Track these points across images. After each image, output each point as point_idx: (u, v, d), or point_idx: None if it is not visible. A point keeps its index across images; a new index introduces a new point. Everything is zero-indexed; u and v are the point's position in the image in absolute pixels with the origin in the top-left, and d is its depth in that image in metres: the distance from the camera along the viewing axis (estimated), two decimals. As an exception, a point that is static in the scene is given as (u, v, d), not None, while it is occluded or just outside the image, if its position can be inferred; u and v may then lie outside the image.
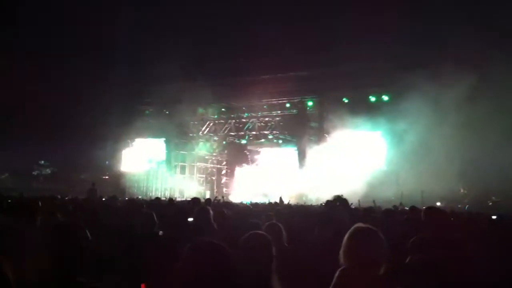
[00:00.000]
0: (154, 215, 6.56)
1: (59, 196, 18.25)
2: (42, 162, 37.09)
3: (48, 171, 36.98)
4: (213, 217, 6.83)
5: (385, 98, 27.64)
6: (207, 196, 31.88)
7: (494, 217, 10.00)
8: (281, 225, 5.38)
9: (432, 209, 6.06)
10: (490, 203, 24.77)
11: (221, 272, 2.78)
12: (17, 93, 28.97)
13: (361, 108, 27.57)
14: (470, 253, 4.85)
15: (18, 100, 29.53)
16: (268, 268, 3.42)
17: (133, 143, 36.25)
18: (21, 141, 31.64)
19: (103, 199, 17.01)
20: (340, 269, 3.34)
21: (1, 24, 29.70)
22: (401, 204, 15.39)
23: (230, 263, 2.83)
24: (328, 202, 10.25)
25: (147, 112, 35.62)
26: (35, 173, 37.00)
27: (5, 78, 27.13)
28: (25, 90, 28.71)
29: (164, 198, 20.48)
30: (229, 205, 14.43)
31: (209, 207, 7.28)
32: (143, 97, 34.34)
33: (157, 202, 13.63)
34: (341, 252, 3.35)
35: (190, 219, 7.09)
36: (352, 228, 3.40)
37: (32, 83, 28.30)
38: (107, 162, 36.04)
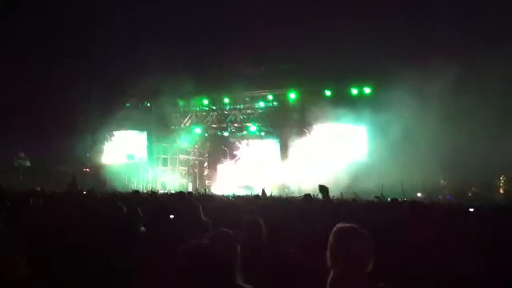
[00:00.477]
0: (139, 210, 6.46)
1: (38, 188, 18.07)
2: (22, 154, 36.51)
3: (28, 163, 36.41)
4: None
5: (367, 90, 27.78)
6: (190, 189, 31.86)
7: (471, 209, 10.07)
8: (262, 221, 5.34)
9: (415, 204, 6.03)
10: (470, 194, 25.10)
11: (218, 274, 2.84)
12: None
13: (343, 100, 27.68)
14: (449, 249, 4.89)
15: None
16: (229, 268, 3.35)
17: (114, 136, 35.92)
18: (1, 134, 31.15)
19: (83, 192, 16.79)
20: (332, 273, 3.27)
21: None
22: (382, 195, 15.48)
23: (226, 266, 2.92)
24: (305, 196, 10.28)
25: (127, 104, 35.33)
26: (16, 165, 36.44)
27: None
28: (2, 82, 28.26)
29: (146, 191, 20.27)
30: (211, 198, 14.37)
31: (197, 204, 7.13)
32: (124, 89, 34.01)
33: (137, 195, 13.46)
34: (327, 253, 3.30)
35: (172, 216, 6.96)
36: (337, 228, 3.34)
37: (9, 74, 27.86)
38: (87, 155, 35.64)
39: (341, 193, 15.95)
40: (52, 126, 31.41)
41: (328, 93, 28.70)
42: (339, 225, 3.35)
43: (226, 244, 3.44)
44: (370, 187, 22.76)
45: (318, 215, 7.06)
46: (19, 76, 28.65)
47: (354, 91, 28.12)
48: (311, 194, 9.87)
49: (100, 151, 35.60)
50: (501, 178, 25.98)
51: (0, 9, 29.79)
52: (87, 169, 35.56)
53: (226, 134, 34.92)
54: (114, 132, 35.81)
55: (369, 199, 14.89)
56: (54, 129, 31.38)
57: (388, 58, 24.17)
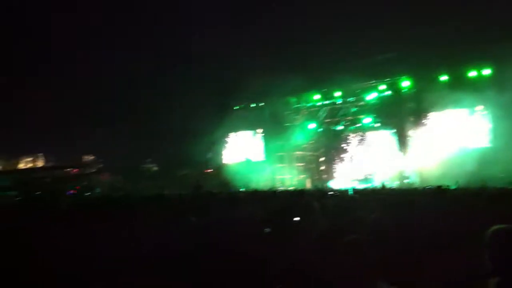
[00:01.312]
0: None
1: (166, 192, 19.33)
2: (149, 160, 39.23)
3: (155, 168, 39.09)
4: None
5: (487, 72, 26.30)
6: (308, 184, 32.25)
7: None
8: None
9: None
10: None
11: None
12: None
13: (460, 84, 26.50)
14: None
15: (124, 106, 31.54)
16: None
17: (230, 137, 37.31)
18: (131, 142, 33.70)
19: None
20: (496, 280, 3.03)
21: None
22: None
23: None
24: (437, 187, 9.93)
25: (241, 105, 36.47)
26: (143, 170, 39.20)
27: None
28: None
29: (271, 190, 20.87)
30: (330, 194, 14.45)
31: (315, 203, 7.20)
32: (236, 91, 35.11)
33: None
34: (486, 256, 3.09)
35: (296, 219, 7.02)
36: (493, 230, 3.15)
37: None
38: (208, 157, 37.31)
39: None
40: (173, 134, 33.35)
41: (443, 78, 27.60)
42: (496, 226, 3.14)
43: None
44: (496, 173, 21.71)
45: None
46: (138, 90, 30.88)
47: (472, 73, 26.75)
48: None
49: (219, 153, 37.14)
50: None
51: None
52: (209, 171, 37.19)
53: (340, 128, 34.75)
54: (230, 133, 37.19)
55: (498, 186, 14.27)
56: (175, 136, 33.29)
57: (507, 34, 22.71)
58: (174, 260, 4.59)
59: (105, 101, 33.57)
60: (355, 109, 32.73)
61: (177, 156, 35.24)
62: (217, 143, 36.69)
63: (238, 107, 36.59)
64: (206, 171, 37.24)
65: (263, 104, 35.87)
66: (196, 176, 32.51)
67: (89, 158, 39.86)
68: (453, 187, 16.34)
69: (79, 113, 35.17)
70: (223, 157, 37.33)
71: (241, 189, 26.71)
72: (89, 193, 30.16)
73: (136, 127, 33.40)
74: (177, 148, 33.83)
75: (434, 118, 28.62)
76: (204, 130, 33.12)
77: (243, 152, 36.70)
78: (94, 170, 38.67)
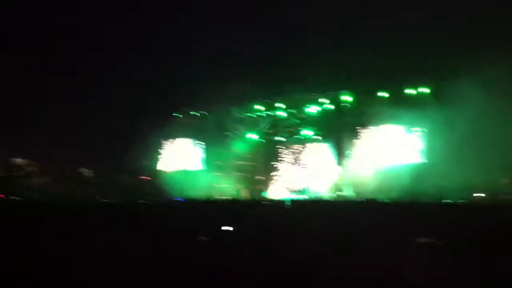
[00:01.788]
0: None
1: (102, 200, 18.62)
2: (83, 165, 37.78)
3: (90, 173, 37.63)
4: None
5: (425, 90, 27.04)
6: (245, 194, 32.03)
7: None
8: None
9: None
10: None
11: None
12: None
13: (399, 101, 27.12)
14: None
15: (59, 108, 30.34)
16: None
17: (169, 144, 36.65)
18: (65, 145, 32.38)
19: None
20: None
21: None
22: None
23: None
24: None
25: (182, 113, 35.93)
26: (77, 175, 37.69)
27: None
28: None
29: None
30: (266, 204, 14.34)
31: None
32: (179, 99, 34.58)
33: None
34: None
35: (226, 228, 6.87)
36: None
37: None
38: (144, 163, 36.43)
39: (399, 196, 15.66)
40: (109, 138, 32.36)
41: (383, 94, 28.16)
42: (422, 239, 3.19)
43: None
44: (428, 189, 22.33)
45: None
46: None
47: (411, 91, 27.42)
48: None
49: (156, 160, 36.35)
50: None
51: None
52: (146, 177, 36.27)
53: (281, 139, 34.78)
54: (169, 140, 36.52)
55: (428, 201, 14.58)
56: (111, 141, 32.32)
57: (446, 57, 23.47)
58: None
59: (37, 102, 32.05)
60: (296, 121, 32.84)
61: (113, 162, 34.18)
62: (155, 149, 35.86)
63: (178, 114, 35.99)
64: (142, 177, 36.29)
65: (204, 112, 35.45)
66: (131, 183, 31.59)
67: (19, 160, 37.76)
68: (385, 200, 16.59)
69: (9, 114, 33.37)
70: (160, 164, 36.54)
71: (176, 197, 26.12)
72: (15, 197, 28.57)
73: (71, 130, 32.10)
74: (113, 153, 32.84)
75: (372, 133, 29.11)
76: (141, 136, 32.33)
77: (181, 160, 36.11)
78: (23, 174, 36.71)
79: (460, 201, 16.83)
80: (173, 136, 35.93)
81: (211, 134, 35.27)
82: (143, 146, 33.87)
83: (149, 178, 35.87)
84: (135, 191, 26.09)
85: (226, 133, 35.27)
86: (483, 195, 23.08)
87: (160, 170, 36.01)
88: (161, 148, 36.44)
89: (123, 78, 31.09)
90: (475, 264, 4.43)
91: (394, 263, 4.01)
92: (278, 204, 14.26)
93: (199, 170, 35.25)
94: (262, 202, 14.67)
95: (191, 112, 36.00)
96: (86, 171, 37.66)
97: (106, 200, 17.86)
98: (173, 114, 35.80)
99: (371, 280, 4.31)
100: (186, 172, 35.37)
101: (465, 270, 3.18)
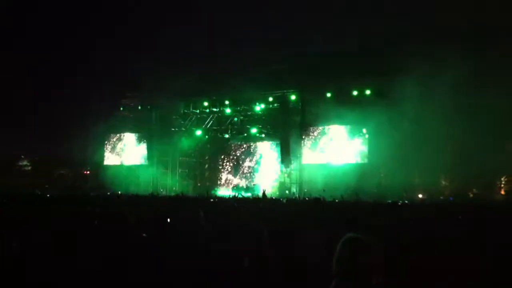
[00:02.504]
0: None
1: (38, 192, 18.01)
2: (22, 157, 36.47)
3: (29, 166, 36.36)
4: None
5: (368, 92, 27.64)
6: (191, 191, 31.82)
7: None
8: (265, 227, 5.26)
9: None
10: (471, 195, 25.00)
11: None
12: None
13: (343, 102, 27.59)
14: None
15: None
16: None
17: (114, 138, 36.00)
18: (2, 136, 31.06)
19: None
20: (334, 282, 3.19)
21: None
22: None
23: None
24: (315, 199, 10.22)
25: (128, 106, 35.37)
26: (16, 167, 36.36)
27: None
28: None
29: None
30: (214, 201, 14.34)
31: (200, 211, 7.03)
32: (124, 92, 34.00)
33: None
34: (333, 260, 3.23)
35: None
36: (346, 237, 3.25)
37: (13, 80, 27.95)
38: (87, 157, 35.60)
39: (342, 196, 15.97)
40: (51, 129, 31.43)
41: (328, 94, 28.64)
42: (349, 234, 3.26)
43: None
44: (371, 188, 22.84)
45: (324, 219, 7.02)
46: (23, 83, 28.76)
47: (355, 92, 28.00)
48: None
49: (100, 154, 35.60)
50: (502, 179, 25.87)
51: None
52: (87, 172, 35.47)
53: (227, 136, 34.83)
54: (114, 134, 35.88)
55: (370, 200, 14.90)
56: (53, 132, 31.41)
57: (388, 59, 24.00)
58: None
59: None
60: (242, 118, 32.90)
61: (54, 154, 33.22)
62: (98, 143, 35.07)
63: (123, 108, 35.41)
64: (84, 172, 35.49)
65: (150, 106, 34.97)
66: (73, 177, 30.81)
67: None
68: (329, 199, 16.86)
69: None
70: (103, 158, 35.83)
71: (119, 192, 25.67)
72: None
73: (9, 119, 30.90)
74: (54, 146, 31.91)
75: (318, 133, 29.56)
76: (84, 129, 31.57)
77: (124, 154, 35.57)
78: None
79: (401, 201, 17.31)
80: (117, 129, 35.31)
81: (157, 129, 34.88)
82: (85, 139, 33.09)
83: (91, 172, 35.14)
84: (75, 184, 25.40)
85: (171, 128, 34.98)
86: (420, 196, 23.86)
87: (102, 164, 35.31)
88: (104, 142, 35.73)
89: (66, 68, 30.17)
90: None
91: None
92: (222, 201, 14.25)
93: (143, 165, 34.79)
94: (207, 199, 14.58)
95: (136, 107, 35.50)
96: (24, 164, 36.48)
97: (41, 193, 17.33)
98: (118, 108, 35.24)
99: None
100: (129, 167, 34.87)
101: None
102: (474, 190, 25.53)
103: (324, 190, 19.86)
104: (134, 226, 6.30)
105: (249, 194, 26.70)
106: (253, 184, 32.14)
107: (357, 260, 3.12)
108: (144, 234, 6.16)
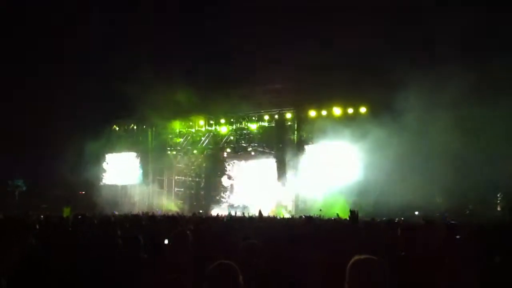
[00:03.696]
0: (140, 237, 6.35)
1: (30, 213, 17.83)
2: (17, 178, 36.19)
3: (24, 187, 36.08)
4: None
5: (362, 110, 27.76)
6: (186, 210, 31.66)
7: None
8: (259, 245, 5.24)
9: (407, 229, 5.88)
10: (467, 212, 24.97)
11: None
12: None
13: (338, 119, 27.72)
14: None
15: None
16: None
17: (109, 158, 35.95)
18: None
19: (79, 217, 16.62)
20: None
21: None
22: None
23: None
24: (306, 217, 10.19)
25: (123, 126, 35.41)
26: (9, 189, 36.04)
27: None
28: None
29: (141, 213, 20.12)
30: (209, 220, 14.26)
31: (187, 231, 6.99)
32: (118, 112, 34.02)
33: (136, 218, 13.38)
34: (345, 285, 3.26)
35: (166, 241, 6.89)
36: (354, 259, 3.29)
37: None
38: (82, 178, 35.45)
39: (337, 214, 15.89)
40: (46, 150, 31.28)
41: (324, 112, 28.76)
42: (357, 256, 3.30)
43: (226, 277, 3.40)
44: (367, 205, 22.79)
45: (320, 238, 6.99)
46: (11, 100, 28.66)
47: (350, 110, 28.13)
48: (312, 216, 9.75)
49: (95, 174, 35.48)
50: (498, 195, 25.87)
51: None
52: (83, 192, 35.27)
53: (222, 154, 34.82)
54: (109, 154, 35.84)
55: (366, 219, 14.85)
56: (48, 153, 31.25)
57: (383, 77, 24.10)
58: None
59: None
60: (238, 137, 32.96)
61: (50, 176, 32.99)
62: (93, 163, 34.95)
63: (117, 127, 35.44)
64: (80, 192, 35.27)
65: (145, 126, 35.03)
66: (68, 197, 30.64)
67: None
68: (325, 217, 16.84)
69: None
70: (100, 178, 35.72)
71: (115, 212, 25.53)
72: None
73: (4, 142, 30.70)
74: (51, 167, 31.73)
75: (314, 150, 29.60)
76: (79, 149, 31.45)
77: (119, 173, 35.47)
78: None
79: (397, 218, 17.27)
80: (112, 149, 35.30)
81: (152, 149, 34.89)
82: (80, 160, 32.99)
83: (86, 192, 34.91)
84: (70, 205, 25.23)
85: (167, 147, 34.99)
86: (416, 213, 23.81)
87: (97, 184, 35.16)
88: (98, 162, 35.66)
89: (59, 87, 30.07)
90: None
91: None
92: (218, 221, 14.20)
93: (138, 185, 34.70)
94: (202, 218, 14.53)
95: (131, 126, 35.54)
96: (19, 185, 36.23)
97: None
98: (112, 128, 35.27)
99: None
100: (124, 187, 34.76)
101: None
102: (470, 206, 25.51)
103: (320, 210, 19.86)
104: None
105: (245, 213, 26.61)
106: (249, 203, 32.05)
107: (369, 284, 3.16)
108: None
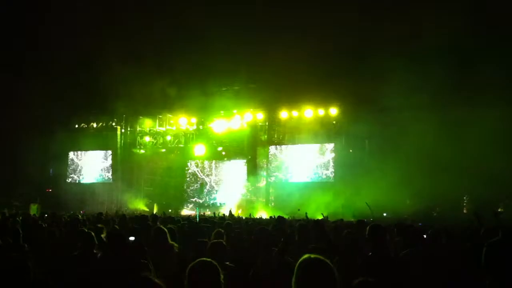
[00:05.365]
0: (94, 235, 6.24)
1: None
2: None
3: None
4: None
5: (333, 111, 27.89)
6: (155, 209, 31.35)
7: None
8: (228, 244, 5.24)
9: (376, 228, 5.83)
10: (435, 214, 25.33)
11: None
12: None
13: (310, 121, 27.83)
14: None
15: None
16: None
17: (77, 156, 35.40)
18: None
19: (45, 215, 16.33)
20: None
21: None
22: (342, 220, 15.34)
23: None
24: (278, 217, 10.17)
25: (91, 124, 34.90)
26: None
27: None
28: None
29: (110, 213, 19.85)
30: (178, 220, 14.09)
31: (164, 228, 6.94)
32: (88, 109, 33.47)
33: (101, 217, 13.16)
34: (292, 281, 3.18)
35: (131, 238, 6.82)
36: (302, 258, 3.22)
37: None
38: (50, 174, 34.83)
39: (306, 214, 15.98)
40: (13, 146, 30.61)
41: (295, 113, 28.83)
42: (305, 256, 3.23)
43: (207, 275, 3.43)
44: (338, 207, 22.95)
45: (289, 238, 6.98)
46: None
47: (321, 112, 28.24)
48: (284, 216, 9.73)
49: (63, 172, 34.92)
50: (465, 198, 26.30)
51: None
52: (50, 190, 34.57)
53: (191, 154, 34.54)
54: (77, 152, 35.29)
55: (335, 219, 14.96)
56: (15, 149, 30.60)
57: (355, 78, 24.24)
58: None
59: None
60: (208, 137, 32.77)
61: (17, 173, 32.22)
62: (60, 160, 34.32)
63: (86, 125, 34.89)
64: (47, 189, 34.56)
65: (114, 124, 34.58)
66: (34, 195, 30.02)
67: None
68: (295, 217, 16.87)
69: None
70: (67, 176, 35.15)
71: (84, 212, 25.13)
72: None
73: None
74: (17, 164, 31.04)
75: (285, 151, 29.67)
76: (45, 146, 30.81)
77: (89, 172, 34.98)
78: None
79: (368, 219, 17.40)
80: (81, 148, 34.76)
81: (122, 147, 34.48)
82: (47, 157, 32.37)
83: (53, 191, 34.23)
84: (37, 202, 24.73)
85: (136, 146, 34.63)
86: (385, 214, 24.05)
87: (64, 182, 34.57)
88: (65, 159, 35.10)
89: (33, 85, 29.38)
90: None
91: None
92: (187, 220, 14.07)
93: (107, 183, 34.25)
94: (175, 218, 14.40)
95: (100, 124, 35.05)
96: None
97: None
98: (80, 125, 34.73)
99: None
100: (93, 186, 34.26)
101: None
102: (437, 209, 25.89)
103: (299, 210, 19.88)
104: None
105: (215, 212, 26.50)
106: (220, 203, 31.91)
107: (312, 283, 3.11)
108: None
